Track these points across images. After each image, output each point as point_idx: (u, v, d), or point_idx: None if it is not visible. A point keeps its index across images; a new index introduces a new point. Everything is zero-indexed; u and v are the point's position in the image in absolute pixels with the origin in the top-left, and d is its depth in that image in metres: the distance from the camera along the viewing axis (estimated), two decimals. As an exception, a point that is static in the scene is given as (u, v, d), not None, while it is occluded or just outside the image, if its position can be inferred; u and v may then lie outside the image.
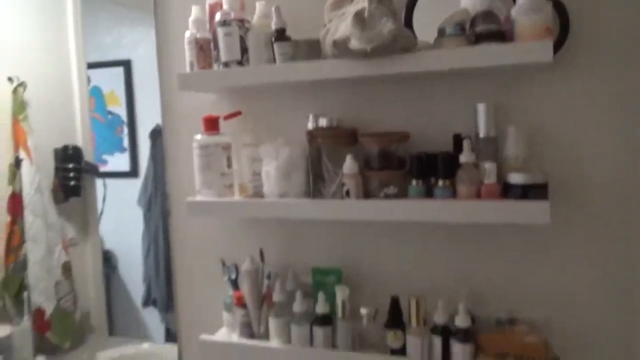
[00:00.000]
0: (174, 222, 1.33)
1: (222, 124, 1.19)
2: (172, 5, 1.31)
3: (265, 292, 1.18)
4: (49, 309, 1.68)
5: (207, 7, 1.20)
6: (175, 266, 1.33)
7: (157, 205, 1.79)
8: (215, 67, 1.16)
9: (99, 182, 1.79)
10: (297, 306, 1.12)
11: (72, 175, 1.76)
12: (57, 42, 1.77)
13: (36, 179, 1.69)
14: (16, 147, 1.68)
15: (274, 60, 1.10)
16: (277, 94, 1.23)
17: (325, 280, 1.17)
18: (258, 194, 1.15)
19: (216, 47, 1.14)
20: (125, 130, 1.78)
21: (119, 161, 1.78)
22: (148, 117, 1.72)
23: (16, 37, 1.72)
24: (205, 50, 1.15)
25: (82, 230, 1.81)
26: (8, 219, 1.67)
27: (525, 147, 1.02)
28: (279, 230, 1.24)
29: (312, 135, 1.10)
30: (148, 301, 1.77)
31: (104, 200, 1.79)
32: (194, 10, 1.17)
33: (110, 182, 1.79)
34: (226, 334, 1.21)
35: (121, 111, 1.77)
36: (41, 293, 1.68)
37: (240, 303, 1.17)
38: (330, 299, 1.13)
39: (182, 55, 1.18)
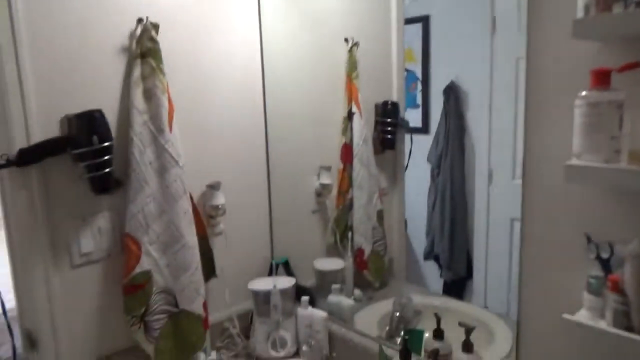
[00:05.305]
0: (531, 187, 1.21)
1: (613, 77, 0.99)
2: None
3: (650, 281, 0.98)
4: (367, 249, 1.87)
5: None
6: (525, 233, 1.24)
7: (447, 162, 1.77)
8: (615, 8, 0.96)
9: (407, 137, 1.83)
10: None
11: (389, 129, 1.86)
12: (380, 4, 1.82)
13: (364, 132, 1.84)
14: (349, 102, 1.85)
15: None
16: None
17: None
18: (658, 164, 0.94)
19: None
20: (419, 86, 1.77)
21: (412, 117, 1.80)
22: (442, 74, 1.70)
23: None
24: (606, -12, 0.96)
25: (391, 181, 1.91)
26: (340, 166, 1.89)
27: None
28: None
29: None
30: (429, 255, 1.81)
31: (409, 154, 1.84)
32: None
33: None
34: (588, 317, 1.07)
35: (416, 68, 1.76)
36: (362, 235, 1.88)
37: (617, 288, 1.01)
38: None
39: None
